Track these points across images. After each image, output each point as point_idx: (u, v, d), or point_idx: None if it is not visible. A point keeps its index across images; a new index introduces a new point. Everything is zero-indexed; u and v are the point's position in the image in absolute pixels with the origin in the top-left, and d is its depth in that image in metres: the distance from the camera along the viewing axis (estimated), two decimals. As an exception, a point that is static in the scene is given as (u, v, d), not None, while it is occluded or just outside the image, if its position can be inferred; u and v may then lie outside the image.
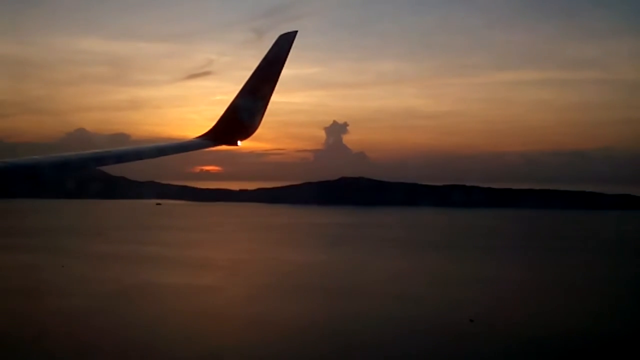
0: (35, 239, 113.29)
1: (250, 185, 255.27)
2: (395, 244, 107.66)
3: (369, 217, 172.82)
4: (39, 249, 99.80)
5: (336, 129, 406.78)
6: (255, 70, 12.60)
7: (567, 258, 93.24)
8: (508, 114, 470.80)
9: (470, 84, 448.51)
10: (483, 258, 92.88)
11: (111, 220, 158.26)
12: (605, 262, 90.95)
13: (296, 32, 12.48)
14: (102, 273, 79.37)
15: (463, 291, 66.66)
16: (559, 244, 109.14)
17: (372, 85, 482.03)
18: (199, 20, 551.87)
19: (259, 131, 13.10)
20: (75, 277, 76.34)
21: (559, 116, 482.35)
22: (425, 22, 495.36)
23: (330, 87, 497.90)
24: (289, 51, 12.42)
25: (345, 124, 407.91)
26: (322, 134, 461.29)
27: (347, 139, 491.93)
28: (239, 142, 13.15)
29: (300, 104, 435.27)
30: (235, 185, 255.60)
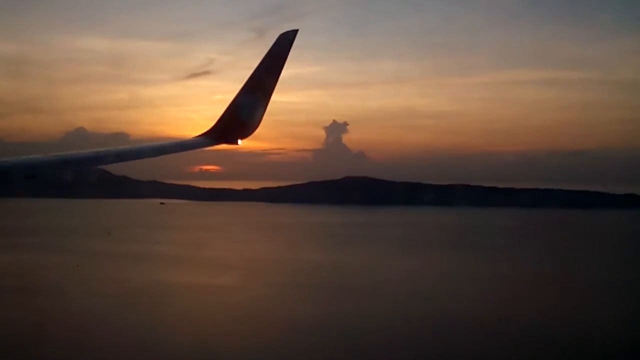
0: (44, 238, 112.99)
1: (253, 185, 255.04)
2: (407, 243, 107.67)
3: (376, 216, 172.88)
4: (50, 249, 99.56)
5: (336, 129, 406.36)
6: (256, 69, 12.58)
7: (582, 256, 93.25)
8: (508, 113, 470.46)
9: (470, 84, 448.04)
10: (496, 257, 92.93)
11: (118, 220, 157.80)
12: (623, 260, 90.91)
13: (297, 30, 12.45)
14: (119, 272, 79.17)
15: (483, 290, 66.72)
16: (572, 242, 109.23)
17: (372, 85, 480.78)
18: (199, 19, 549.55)
19: (258, 130, 13.06)
20: (92, 276, 76.17)
21: (559, 116, 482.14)
22: (425, 22, 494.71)
23: (330, 86, 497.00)
24: (289, 50, 12.39)
25: (345, 124, 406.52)
26: (322, 133, 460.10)
27: (347, 138, 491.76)
28: (239, 141, 13.10)
29: (300, 104, 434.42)
30: (236, 185, 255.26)
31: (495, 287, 69.07)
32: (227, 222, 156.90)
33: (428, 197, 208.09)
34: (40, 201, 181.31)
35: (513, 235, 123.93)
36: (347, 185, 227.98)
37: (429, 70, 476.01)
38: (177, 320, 53.53)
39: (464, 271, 78.88)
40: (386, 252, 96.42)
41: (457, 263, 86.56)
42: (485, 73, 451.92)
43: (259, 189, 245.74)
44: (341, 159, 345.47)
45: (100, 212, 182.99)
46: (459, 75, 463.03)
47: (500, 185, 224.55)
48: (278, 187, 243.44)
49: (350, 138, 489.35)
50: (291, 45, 12.40)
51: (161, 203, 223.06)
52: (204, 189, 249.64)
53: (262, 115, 12.93)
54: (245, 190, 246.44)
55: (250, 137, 13.19)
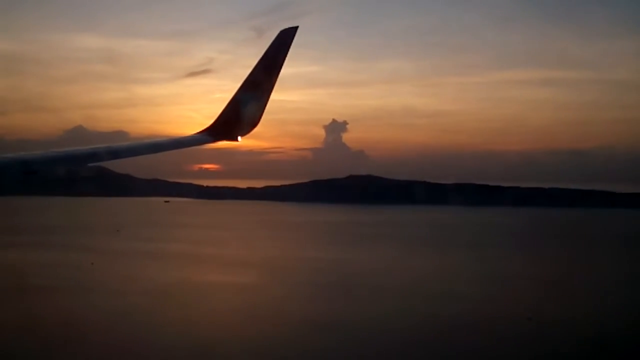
0: (54, 236, 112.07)
1: (255, 183, 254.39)
2: (420, 241, 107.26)
3: (383, 215, 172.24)
4: (62, 247, 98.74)
5: (335, 128, 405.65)
6: (256, 65, 12.45)
7: (600, 255, 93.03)
8: (506, 112, 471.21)
9: (468, 83, 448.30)
10: (514, 256, 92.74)
11: (125, 218, 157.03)
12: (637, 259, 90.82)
13: (297, 27, 12.35)
14: (137, 271, 78.55)
15: (507, 289, 66.43)
16: (588, 241, 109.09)
17: (371, 84, 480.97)
18: (199, 18, 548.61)
19: (257, 129, 12.93)
20: (111, 275, 75.47)
21: (557, 115, 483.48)
22: (424, 21, 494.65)
23: (330, 85, 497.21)
24: (289, 46, 12.30)
25: (345, 123, 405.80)
26: (322, 132, 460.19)
27: (346, 137, 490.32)
28: (239, 138, 12.95)
29: (300, 102, 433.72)
30: (237, 183, 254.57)
31: (518, 285, 68.74)
32: (236, 220, 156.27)
33: (432, 196, 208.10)
34: (43, 199, 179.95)
35: (525, 234, 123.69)
36: (351, 184, 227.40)
37: (427, 69, 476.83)
38: (206, 319, 53.01)
39: (483, 270, 78.49)
40: (401, 251, 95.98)
41: (475, 262, 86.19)
42: (483, 73, 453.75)
43: (263, 188, 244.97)
44: (341, 157, 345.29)
45: (105, 210, 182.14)
46: (457, 74, 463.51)
47: (505, 184, 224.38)
48: (282, 186, 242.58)
49: (350, 137, 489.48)
50: (291, 41, 12.29)
51: (165, 201, 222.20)
52: (208, 187, 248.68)
53: (262, 112, 12.82)
54: (249, 188, 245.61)
55: (249, 135, 13.02)
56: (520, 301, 59.92)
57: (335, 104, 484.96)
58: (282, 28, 12.46)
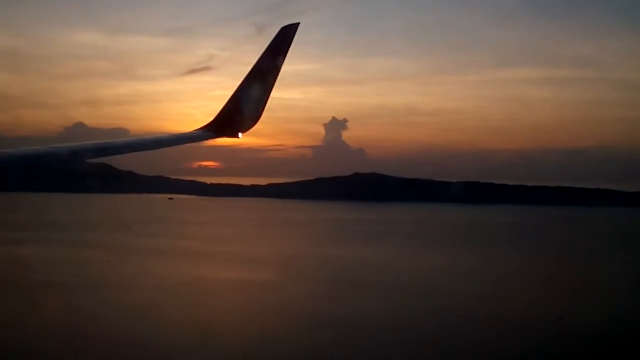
0: (64, 232, 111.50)
1: (256, 181, 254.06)
2: (434, 240, 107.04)
3: (390, 213, 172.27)
4: (74, 244, 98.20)
5: (335, 125, 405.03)
6: (257, 61, 12.47)
7: (612, 254, 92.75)
8: (505, 111, 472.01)
9: (468, 82, 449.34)
10: (532, 254, 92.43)
11: (132, 215, 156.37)
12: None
13: (298, 24, 12.35)
14: (155, 268, 78.19)
15: (531, 288, 66.07)
16: (604, 241, 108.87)
17: (371, 82, 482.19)
18: (199, 15, 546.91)
19: (257, 126, 12.95)
20: (129, 272, 75.13)
21: (557, 114, 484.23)
22: (424, 20, 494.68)
23: (330, 83, 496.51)
24: (291, 42, 12.33)
25: (345, 120, 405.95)
26: (321, 130, 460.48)
27: (346, 135, 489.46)
28: (240, 135, 12.94)
29: (300, 100, 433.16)
30: (236, 181, 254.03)
31: (540, 284, 68.38)
32: (243, 217, 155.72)
33: (437, 193, 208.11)
34: (46, 195, 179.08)
35: (535, 232, 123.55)
36: (356, 182, 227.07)
37: (427, 67, 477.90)
38: (233, 317, 52.74)
39: (505, 269, 78.31)
40: (417, 249, 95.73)
41: (494, 260, 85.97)
42: (483, 71, 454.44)
43: (267, 185, 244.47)
44: (341, 155, 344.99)
45: (110, 207, 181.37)
46: (457, 72, 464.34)
47: (510, 183, 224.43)
48: (286, 183, 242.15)
49: (350, 135, 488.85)
50: (292, 38, 12.31)
51: (170, 198, 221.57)
52: (211, 184, 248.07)
53: (263, 108, 12.81)
54: (253, 185, 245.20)
55: (249, 132, 13.01)
56: (549, 300, 59.48)
57: (335, 102, 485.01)
58: (282, 25, 12.46)
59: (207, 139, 12.83)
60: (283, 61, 12.37)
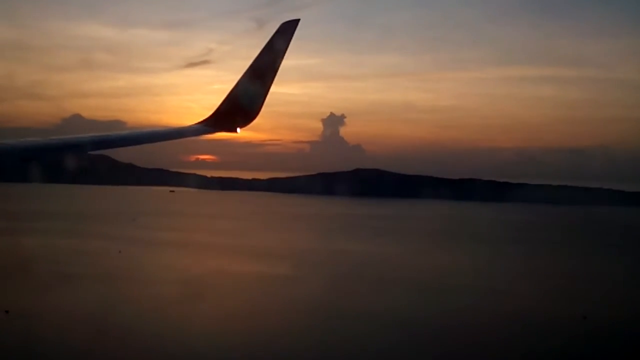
0: (69, 223, 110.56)
1: (253, 175, 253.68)
2: (444, 236, 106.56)
3: (397, 209, 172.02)
4: (81, 234, 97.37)
5: (333, 121, 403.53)
6: (257, 57, 12.54)
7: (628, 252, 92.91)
8: (506, 109, 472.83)
9: (468, 79, 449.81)
10: (545, 252, 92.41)
11: (135, 207, 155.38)
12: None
13: (298, 20, 12.47)
14: (167, 260, 77.65)
15: (551, 285, 65.92)
16: (613, 239, 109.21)
17: (370, 78, 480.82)
18: (199, 8, 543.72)
19: (255, 121, 13.01)
20: (143, 263, 74.59)
21: (557, 113, 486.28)
22: (425, 16, 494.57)
23: (329, 79, 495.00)
24: (291, 39, 12.39)
25: (343, 116, 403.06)
26: (319, 125, 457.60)
27: (344, 131, 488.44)
28: (238, 129, 13.02)
29: (298, 95, 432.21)
30: (233, 174, 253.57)
31: (561, 283, 68.11)
32: (249, 211, 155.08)
33: (440, 191, 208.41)
34: (46, 186, 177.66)
35: (546, 230, 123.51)
36: (358, 178, 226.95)
37: (427, 64, 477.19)
38: (261, 310, 52.21)
39: (524, 267, 78.31)
40: (429, 245, 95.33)
41: (510, 258, 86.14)
42: (483, 69, 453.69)
43: (268, 179, 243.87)
44: (338, 151, 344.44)
45: (112, 199, 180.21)
46: (458, 70, 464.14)
47: (513, 181, 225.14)
48: (287, 178, 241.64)
49: (348, 131, 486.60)
50: (292, 34, 12.39)
51: (171, 191, 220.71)
52: (212, 177, 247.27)
53: (262, 103, 12.92)
54: (254, 179, 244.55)
55: (247, 127, 13.08)
56: (570, 298, 59.39)
57: (334, 98, 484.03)
58: (283, 20, 12.51)
59: (205, 133, 12.88)
60: (283, 57, 12.43)
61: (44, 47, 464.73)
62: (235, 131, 12.97)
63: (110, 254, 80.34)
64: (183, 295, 55.81)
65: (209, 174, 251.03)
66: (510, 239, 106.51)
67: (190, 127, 12.94)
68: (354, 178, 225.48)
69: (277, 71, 12.48)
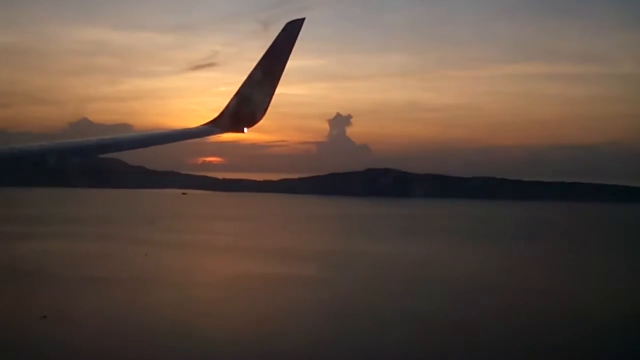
0: (89, 227, 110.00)
1: (260, 177, 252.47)
2: (471, 235, 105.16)
3: (414, 208, 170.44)
4: (104, 238, 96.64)
5: (340, 121, 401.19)
6: (262, 57, 12.69)
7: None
8: (513, 107, 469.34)
9: (475, 77, 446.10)
10: (564, 249, 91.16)
11: (150, 209, 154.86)
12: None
13: (303, 19, 12.54)
14: (193, 262, 77.08)
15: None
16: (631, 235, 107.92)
17: (375, 78, 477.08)
18: (204, 11, 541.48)
19: (261, 122, 13.20)
20: (171, 267, 73.76)
21: (565, 110, 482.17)
22: (430, 14, 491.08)
23: (334, 79, 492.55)
24: (296, 38, 12.53)
25: (349, 116, 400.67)
26: (326, 126, 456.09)
27: (350, 131, 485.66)
28: (245, 129, 13.17)
29: (303, 96, 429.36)
30: (240, 176, 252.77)
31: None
32: (265, 212, 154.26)
33: (453, 190, 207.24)
34: (56, 190, 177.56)
35: (567, 227, 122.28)
36: (370, 177, 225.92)
37: (432, 63, 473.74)
38: (296, 312, 51.35)
39: (551, 263, 77.15)
40: (458, 245, 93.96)
41: (540, 255, 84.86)
42: (491, 66, 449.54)
43: (280, 180, 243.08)
44: (345, 151, 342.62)
45: (127, 202, 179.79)
46: (464, 68, 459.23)
47: (527, 179, 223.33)
48: (299, 179, 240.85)
49: (354, 131, 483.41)
50: (298, 33, 12.49)
51: (183, 193, 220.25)
52: (223, 179, 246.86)
53: (269, 103, 13.03)
54: (265, 181, 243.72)
55: (252, 128, 13.27)
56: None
57: (340, 98, 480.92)
58: (288, 21, 12.61)
59: (212, 134, 12.98)
60: (288, 57, 12.49)
61: (49, 52, 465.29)
62: (242, 131, 13.05)
63: (136, 257, 79.61)
64: (217, 298, 55.29)
65: (218, 175, 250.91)
66: (538, 237, 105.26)
67: (197, 128, 13.04)
68: (365, 178, 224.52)
69: (283, 70, 12.54)
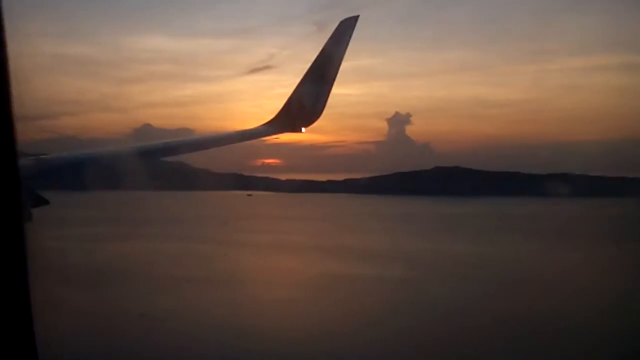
0: (165, 228, 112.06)
1: (322, 177, 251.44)
2: (559, 235, 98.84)
3: (488, 206, 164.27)
4: (182, 238, 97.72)
5: (399, 120, 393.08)
6: (318, 56, 12.61)
7: None
8: (583, 100, 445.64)
9: (539, 71, 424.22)
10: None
11: (220, 210, 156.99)
12: None
13: (357, 17, 12.25)
14: (273, 262, 76.22)
15: None
16: None
17: (434, 75, 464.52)
18: (260, 15, 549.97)
19: (318, 123, 12.88)
20: (251, 266, 73.41)
21: (638, 102, 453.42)
22: (491, 8, 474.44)
23: (391, 78, 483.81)
24: (350, 35, 12.41)
25: (408, 115, 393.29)
26: (384, 125, 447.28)
27: (410, 129, 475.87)
28: (303, 129, 12.92)
29: (361, 96, 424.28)
30: (298, 178, 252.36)
31: None
32: (335, 212, 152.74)
33: (526, 187, 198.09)
34: (126, 193, 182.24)
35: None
36: (438, 176, 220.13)
37: (494, 58, 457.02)
38: (393, 313, 48.59)
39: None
40: (548, 245, 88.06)
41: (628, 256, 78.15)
42: (557, 59, 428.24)
43: (343, 180, 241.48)
44: (405, 150, 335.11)
45: (195, 204, 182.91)
46: (529, 62, 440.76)
47: (609, 174, 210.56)
48: (362, 178, 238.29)
49: (414, 129, 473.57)
50: (352, 31, 12.35)
51: (248, 194, 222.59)
52: (287, 180, 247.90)
53: (325, 102, 12.78)
54: (329, 181, 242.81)
55: (310, 130, 12.97)
56: None
57: (398, 97, 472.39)
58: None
59: (270, 134, 13.01)
60: (343, 55, 12.29)
61: (113, 61, 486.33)
62: (300, 131, 13.03)
63: (217, 256, 79.58)
64: (308, 297, 53.44)
65: (281, 177, 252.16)
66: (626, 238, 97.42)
67: (255, 129, 13.19)
68: (433, 176, 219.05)
69: (338, 68, 12.52)
